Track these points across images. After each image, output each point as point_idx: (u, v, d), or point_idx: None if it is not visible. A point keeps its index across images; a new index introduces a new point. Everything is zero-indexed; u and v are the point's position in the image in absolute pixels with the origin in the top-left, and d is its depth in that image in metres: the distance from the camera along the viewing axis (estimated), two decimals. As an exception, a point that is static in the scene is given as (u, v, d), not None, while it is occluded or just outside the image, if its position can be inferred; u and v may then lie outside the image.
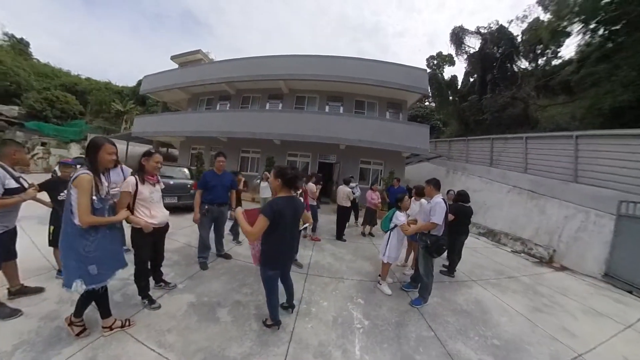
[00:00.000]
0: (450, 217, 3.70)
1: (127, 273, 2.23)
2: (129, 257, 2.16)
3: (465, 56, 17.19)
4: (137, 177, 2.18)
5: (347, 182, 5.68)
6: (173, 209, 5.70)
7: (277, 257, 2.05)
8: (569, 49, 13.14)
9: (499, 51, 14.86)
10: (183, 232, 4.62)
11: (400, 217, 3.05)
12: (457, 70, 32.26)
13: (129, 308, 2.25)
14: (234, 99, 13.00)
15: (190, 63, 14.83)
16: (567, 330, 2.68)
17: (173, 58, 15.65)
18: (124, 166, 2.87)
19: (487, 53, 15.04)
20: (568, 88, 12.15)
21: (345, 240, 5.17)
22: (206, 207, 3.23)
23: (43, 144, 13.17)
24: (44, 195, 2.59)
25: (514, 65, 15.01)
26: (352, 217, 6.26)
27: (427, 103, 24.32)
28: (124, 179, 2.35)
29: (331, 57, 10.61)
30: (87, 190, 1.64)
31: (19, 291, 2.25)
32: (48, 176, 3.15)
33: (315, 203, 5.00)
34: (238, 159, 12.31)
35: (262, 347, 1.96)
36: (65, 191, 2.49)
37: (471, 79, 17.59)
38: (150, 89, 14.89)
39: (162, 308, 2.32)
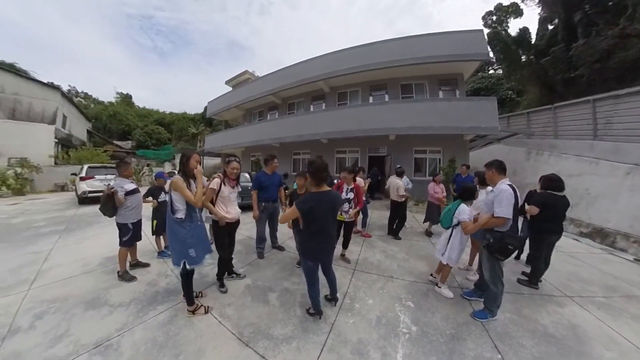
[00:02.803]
0: (534, 210, 2.95)
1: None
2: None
3: (536, -2, 13.19)
4: (221, 179, 2.64)
5: (399, 174, 5.09)
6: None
7: (313, 249, 2.12)
8: None
9: (590, -25, 10.82)
10: (245, 227, 5.15)
11: (464, 213, 2.54)
12: (527, 20, 24.74)
13: (202, 284, 2.82)
14: (281, 108, 13.86)
15: (241, 83, 16.64)
16: None
17: (227, 82, 17.99)
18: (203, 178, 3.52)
19: (569, -16, 11.24)
20: None
21: (400, 239, 4.74)
22: (263, 204, 3.61)
23: (148, 165, 17.93)
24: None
25: (617, -11, 10.72)
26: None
27: (491, 71, 20.07)
28: None
29: (365, 45, 10.08)
30: (184, 186, 2.11)
31: (135, 264, 3.22)
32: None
33: (364, 198, 4.81)
34: (290, 161, 13.06)
35: (303, 333, 2.07)
36: (163, 193, 3.63)
37: (550, 27, 13.25)
38: (213, 112, 17.43)
39: (225, 287, 2.76)
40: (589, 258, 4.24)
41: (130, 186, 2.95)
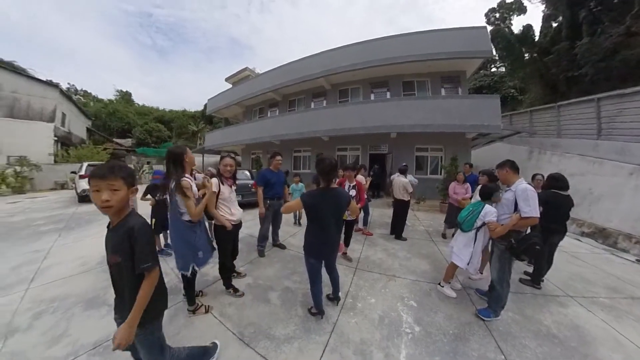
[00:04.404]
0: None
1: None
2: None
3: (540, -5, 13.21)
4: (218, 179, 2.42)
5: (403, 172, 4.85)
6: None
7: (315, 246, 2.09)
8: None
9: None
10: (246, 225, 5.12)
11: (492, 214, 2.37)
12: (530, 17, 24.95)
13: (202, 283, 2.78)
14: (282, 105, 13.76)
15: (241, 81, 16.54)
16: None
17: (227, 79, 17.90)
18: (196, 173, 3.38)
19: (575, -18, 11.10)
20: None
21: (405, 239, 4.61)
22: (268, 202, 3.58)
23: (148, 163, 17.97)
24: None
25: (623, -13, 10.52)
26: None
27: (494, 69, 20.01)
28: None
29: (366, 42, 9.97)
30: (191, 194, 2.00)
31: None
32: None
33: (365, 196, 4.73)
34: (291, 158, 13.01)
35: (304, 333, 2.05)
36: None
37: (554, 24, 13.30)
38: (213, 109, 17.32)
39: (240, 290, 2.64)
40: (591, 258, 4.19)
41: None
